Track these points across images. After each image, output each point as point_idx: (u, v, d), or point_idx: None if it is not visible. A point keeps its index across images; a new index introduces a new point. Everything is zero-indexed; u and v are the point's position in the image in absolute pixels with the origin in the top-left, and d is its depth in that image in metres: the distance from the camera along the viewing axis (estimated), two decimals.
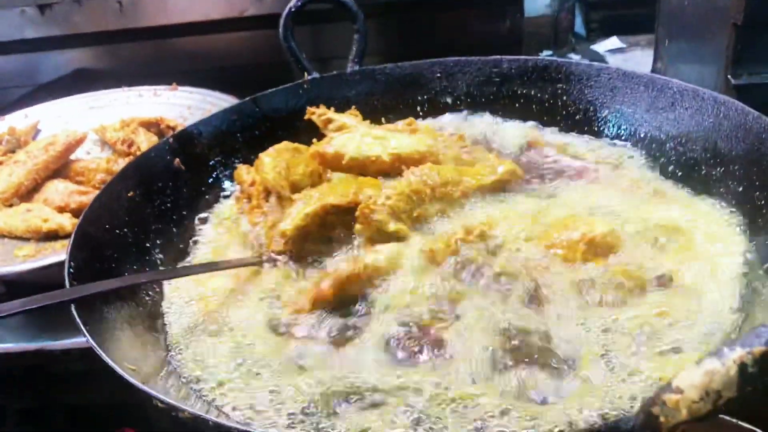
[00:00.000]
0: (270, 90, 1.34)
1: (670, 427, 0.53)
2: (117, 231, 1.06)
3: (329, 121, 1.30)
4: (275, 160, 1.14)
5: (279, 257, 1.05)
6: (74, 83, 1.89)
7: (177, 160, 1.22)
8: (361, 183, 1.09)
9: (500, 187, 1.12)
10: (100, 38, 1.91)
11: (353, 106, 1.33)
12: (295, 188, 1.13)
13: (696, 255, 0.95)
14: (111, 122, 1.63)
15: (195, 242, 1.17)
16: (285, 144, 1.20)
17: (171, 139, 1.23)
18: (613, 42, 2.29)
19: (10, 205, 1.43)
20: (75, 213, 1.37)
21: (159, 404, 0.72)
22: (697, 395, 0.52)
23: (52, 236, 1.33)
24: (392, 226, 1.00)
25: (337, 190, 1.07)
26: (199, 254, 1.14)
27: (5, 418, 2.01)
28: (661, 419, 0.53)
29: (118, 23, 1.83)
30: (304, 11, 1.38)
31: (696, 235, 0.98)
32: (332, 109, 1.32)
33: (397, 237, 1.01)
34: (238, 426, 0.68)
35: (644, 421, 0.55)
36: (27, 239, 1.34)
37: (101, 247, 1.02)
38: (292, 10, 1.35)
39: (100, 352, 0.76)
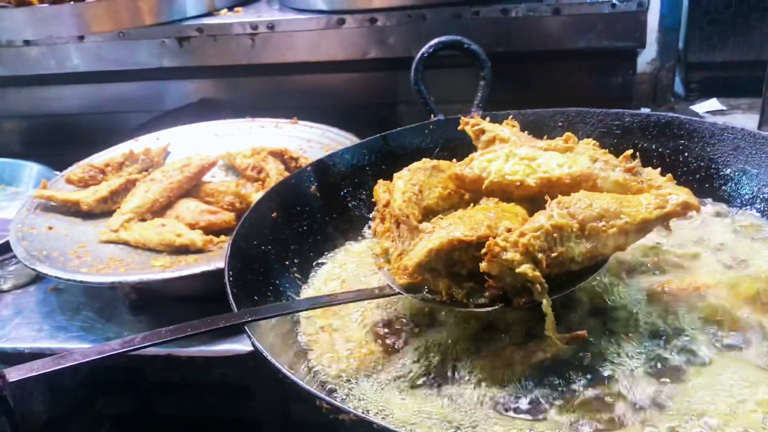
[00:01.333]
0: (398, 129, 1.43)
1: None
2: (262, 247, 1.15)
3: (482, 132, 1.21)
4: (407, 184, 1.08)
5: (406, 293, 0.99)
6: (199, 111, 2.01)
7: (313, 187, 1.31)
8: (501, 211, 0.98)
9: (667, 223, 0.98)
10: (227, 71, 2.04)
11: (510, 117, 1.30)
12: (429, 212, 1.06)
13: None
14: (236, 149, 1.72)
15: (324, 264, 1.24)
16: (423, 162, 1.14)
17: (309, 168, 1.32)
18: (712, 104, 2.30)
19: (143, 219, 1.54)
20: (204, 230, 1.46)
21: (324, 406, 0.78)
22: None
23: (182, 250, 1.41)
24: (523, 267, 0.88)
25: (469, 221, 0.95)
26: (332, 275, 1.21)
27: (101, 422, 2.10)
28: None
29: (247, 58, 1.95)
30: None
31: None
32: (487, 118, 1.26)
33: (529, 280, 0.89)
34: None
35: None
36: (159, 251, 1.43)
37: (250, 260, 1.11)
38: (424, 56, 1.43)
39: (272, 359, 0.84)
